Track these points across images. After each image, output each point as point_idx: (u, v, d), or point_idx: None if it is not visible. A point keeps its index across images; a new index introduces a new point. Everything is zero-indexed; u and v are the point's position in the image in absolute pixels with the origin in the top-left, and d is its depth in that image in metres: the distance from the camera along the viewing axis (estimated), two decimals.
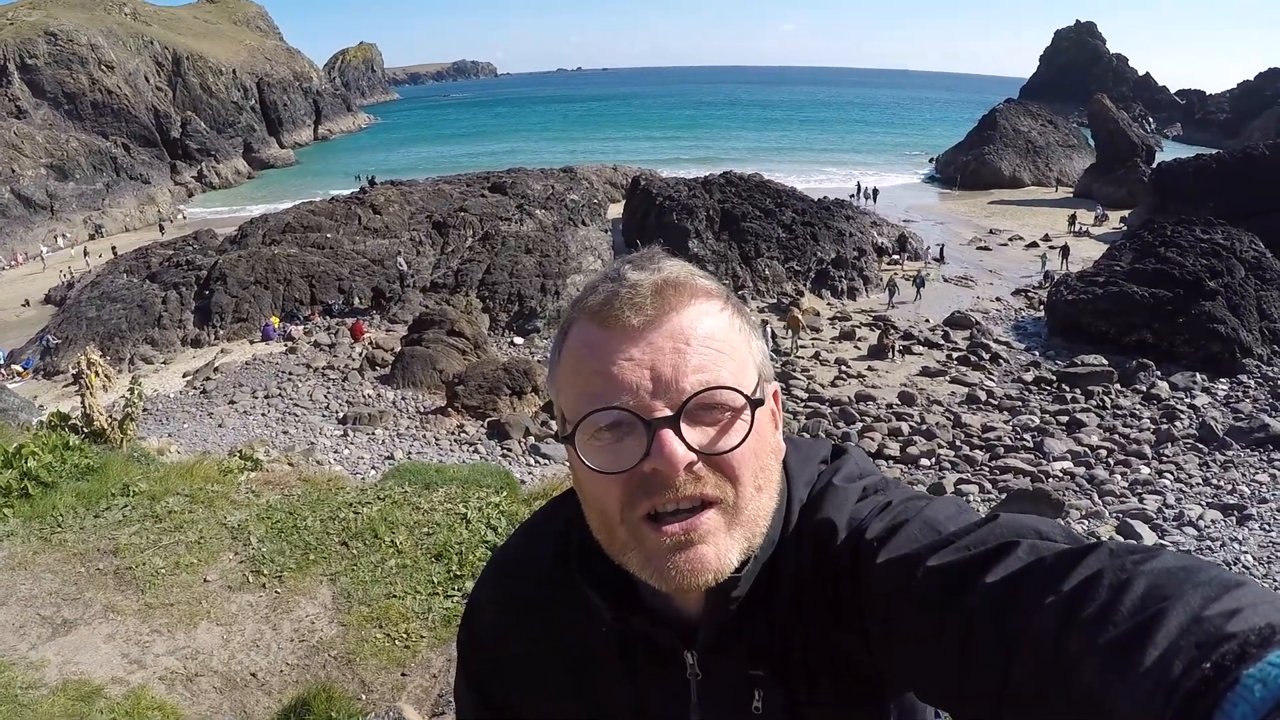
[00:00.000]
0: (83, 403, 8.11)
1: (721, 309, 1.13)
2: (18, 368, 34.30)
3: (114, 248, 55.58)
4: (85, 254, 55.98)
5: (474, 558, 5.90)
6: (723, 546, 1.07)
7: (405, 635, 5.22)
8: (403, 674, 4.97)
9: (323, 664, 5.02)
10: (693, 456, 1.04)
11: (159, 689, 4.74)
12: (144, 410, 8.70)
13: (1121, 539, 17.99)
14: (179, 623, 5.30)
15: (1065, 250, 44.48)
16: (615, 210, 54.08)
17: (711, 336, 1.09)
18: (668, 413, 1.03)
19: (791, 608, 1.17)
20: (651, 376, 1.05)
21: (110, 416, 8.11)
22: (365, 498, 6.81)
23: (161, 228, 65.70)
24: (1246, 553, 17.70)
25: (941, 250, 46.35)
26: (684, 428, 1.04)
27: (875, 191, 61.83)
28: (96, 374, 8.37)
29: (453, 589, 5.64)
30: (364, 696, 4.80)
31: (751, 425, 1.07)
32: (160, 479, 7.04)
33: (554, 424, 24.14)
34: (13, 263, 57.78)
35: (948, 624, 0.93)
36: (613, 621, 1.22)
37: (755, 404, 1.08)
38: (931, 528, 1.05)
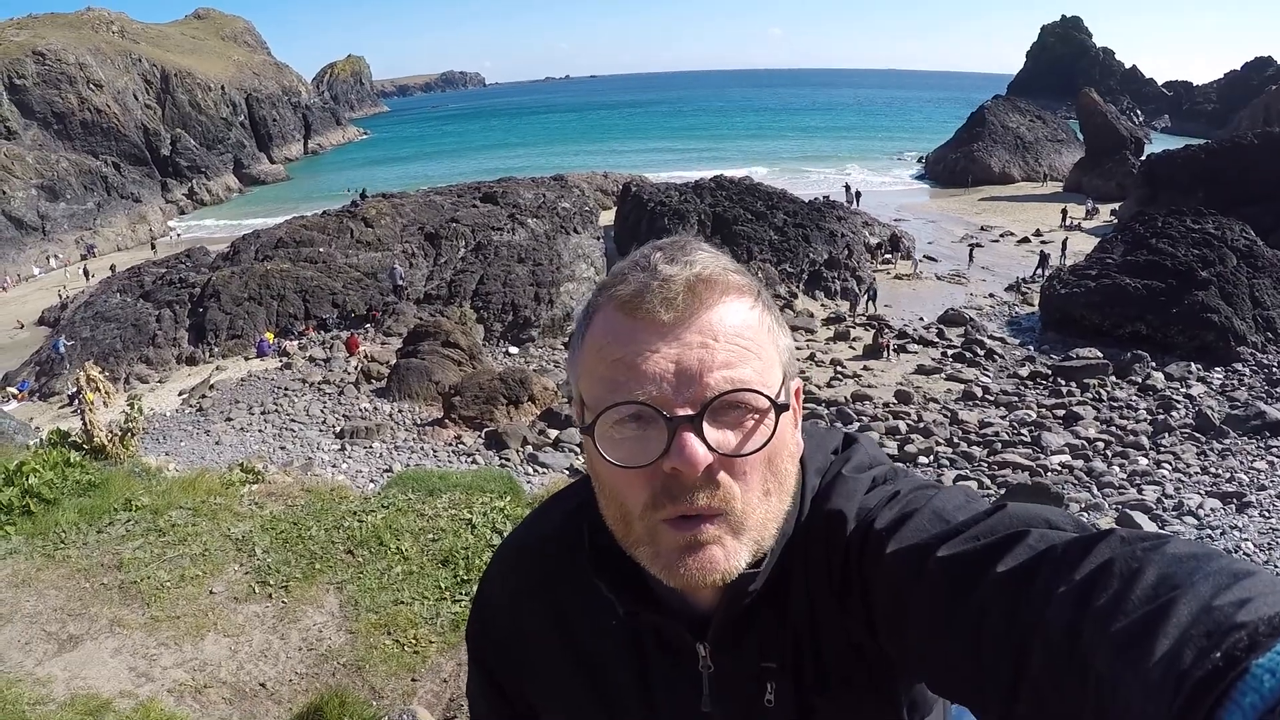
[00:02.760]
0: (83, 419, 8.10)
1: (752, 306, 1.11)
2: (13, 390, 34.17)
3: (114, 266, 55.46)
4: (86, 274, 55.70)
5: (480, 562, 5.90)
6: (730, 548, 1.06)
7: (414, 641, 5.22)
8: (413, 679, 4.97)
9: (332, 672, 5.02)
10: (712, 458, 1.02)
11: (168, 701, 4.73)
12: (143, 428, 8.68)
13: (1167, 509, 18.07)
14: (186, 635, 5.29)
15: (1064, 245, 44.62)
16: (607, 217, 54.03)
17: (740, 334, 1.07)
18: (690, 411, 1.02)
19: (803, 599, 1.17)
20: (676, 372, 1.03)
21: (111, 432, 8.09)
22: (369, 506, 6.81)
23: (154, 246, 65.68)
24: (1247, 540, 17.80)
25: (909, 249, 46.41)
26: (706, 427, 1.02)
27: (858, 194, 61.59)
28: (97, 389, 8.34)
29: (460, 594, 5.64)
30: (374, 703, 4.79)
31: (775, 430, 1.07)
32: (162, 493, 7.04)
33: (551, 433, 24.59)
34: (4, 285, 57.62)
35: (959, 615, 0.93)
36: (625, 616, 1.22)
37: (780, 408, 1.07)
38: (940, 517, 1.05)
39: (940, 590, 0.96)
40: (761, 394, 1.04)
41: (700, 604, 1.20)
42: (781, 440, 1.09)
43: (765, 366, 1.07)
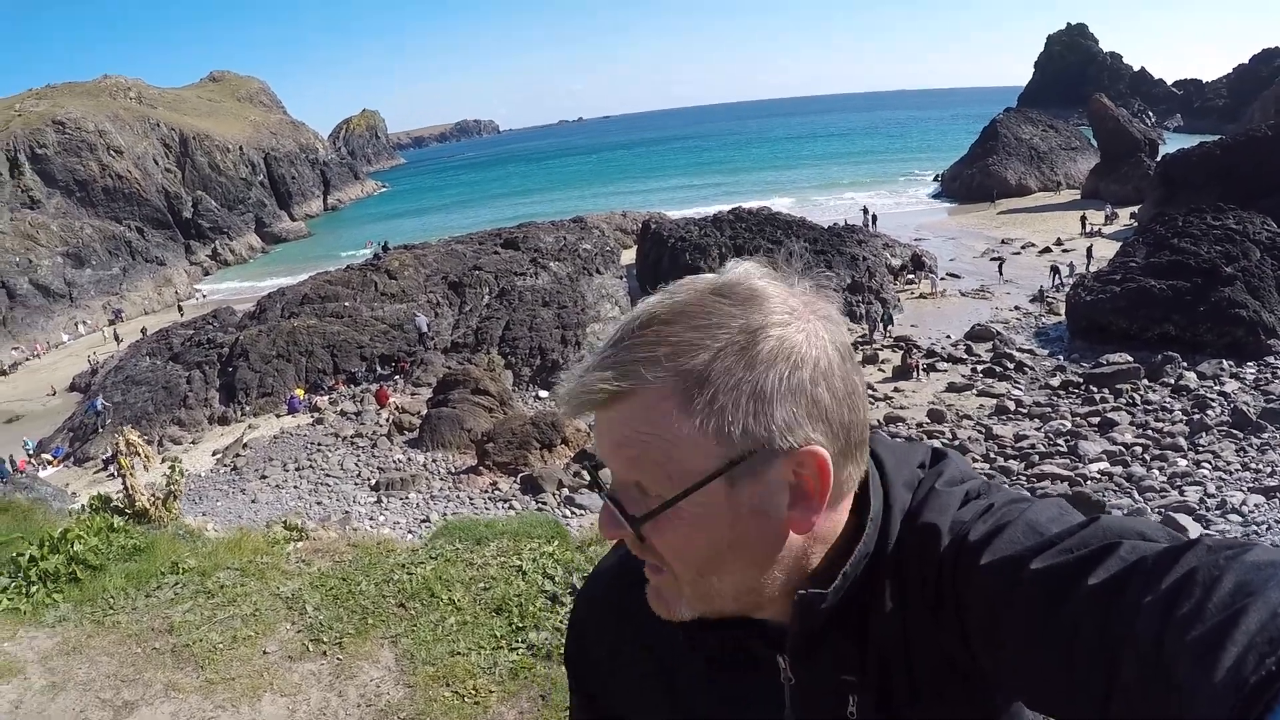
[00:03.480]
0: (124, 484, 8.09)
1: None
2: (48, 456, 34.47)
3: (144, 329, 55.96)
4: (117, 338, 56.31)
5: (534, 608, 5.84)
6: (672, 602, 1.14)
7: (474, 692, 5.14)
8: None
9: None
10: (620, 533, 1.11)
11: None
12: (184, 490, 8.74)
13: (1219, 535, 17.93)
14: (242, 696, 5.24)
15: (1089, 251, 44.49)
16: (628, 256, 54.27)
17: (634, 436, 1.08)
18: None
19: (893, 614, 1.14)
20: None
21: (153, 495, 8.09)
22: (417, 558, 6.75)
23: (180, 308, 66.14)
24: None
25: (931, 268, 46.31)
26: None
27: (874, 217, 61.28)
28: (136, 454, 8.35)
29: (516, 641, 5.58)
30: None
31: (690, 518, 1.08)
32: (208, 555, 7.01)
33: (586, 474, 24.39)
34: (36, 353, 58.20)
35: (1052, 628, 0.92)
36: (685, 641, 1.23)
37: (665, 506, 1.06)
38: (1034, 530, 1.03)
39: (1034, 603, 0.95)
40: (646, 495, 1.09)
41: (781, 617, 1.18)
42: (699, 528, 1.08)
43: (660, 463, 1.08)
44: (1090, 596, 0.89)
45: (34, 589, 6.45)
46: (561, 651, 5.55)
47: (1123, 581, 0.88)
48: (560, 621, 5.80)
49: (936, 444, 1.36)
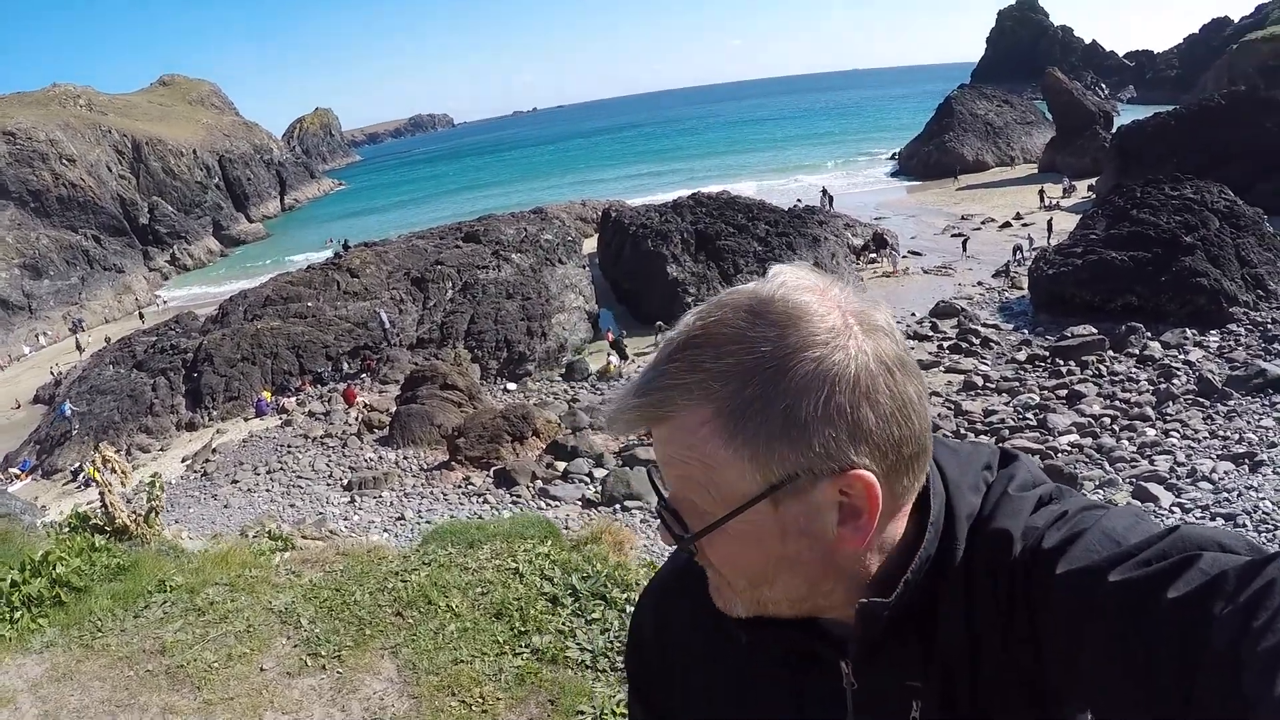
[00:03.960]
0: (103, 500, 7.94)
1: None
2: (15, 470, 34.08)
3: (108, 337, 55.32)
4: (79, 347, 55.65)
5: (535, 611, 5.77)
6: (728, 600, 1.17)
7: (480, 700, 5.06)
8: None
9: None
10: (675, 542, 1.15)
11: None
12: (164, 505, 8.57)
13: (1190, 501, 18.08)
14: (243, 717, 5.13)
15: (1049, 224, 44.71)
16: (590, 245, 54.11)
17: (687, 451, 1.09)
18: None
19: (959, 620, 1.13)
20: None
21: (134, 512, 7.95)
22: (410, 564, 6.65)
23: (142, 315, 65.54)
24: (1264, 499, 17.90)
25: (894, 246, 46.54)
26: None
27: (830, 197, 61.30)
28: (114, 470, 8.19)
29: (520, 646, 5.50)
30: None
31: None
32: (195, 571, 6.88)
33: (559, 465, 24.61)
34: None
35: (1130, 641, 0.91)
36: (746, 644, 1.24)
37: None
38: (1111, 539, 1.02)
39: (1112, 615, 0.94)
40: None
41: (845, 619, 1.17)
42: (748, 543, 1.10)
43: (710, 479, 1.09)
44: (1170, 610, 0.88)
45: (18, 615, 6.29)
46: (566, 655, 5.59)
47: (1203, 595, 0.87)
48: (563, 624, 5.74)
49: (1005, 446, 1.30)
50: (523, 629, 5.66)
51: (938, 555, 1.14)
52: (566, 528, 10.77)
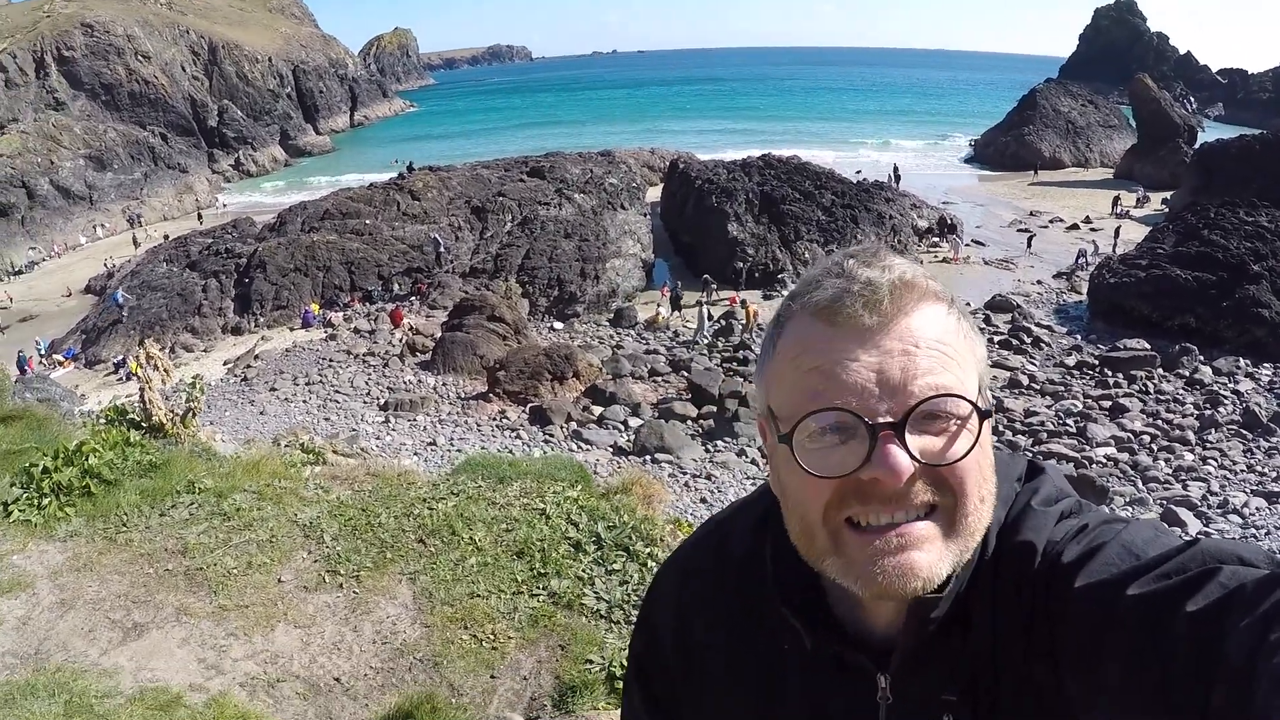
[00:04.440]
0: (141, 396, 7.94)
1: (949, 312, 1.09)
2: (59, 357, 34.59)
3: (167, 235, 55.91)
4: (135, 242, 56.35)
5: (557, 554, 5.73)
6: (936, 554, 1.04)
7: (492, 636, 5.03)
8: (492, 676, 4.79)
9: (408, 667, 4.84)
10: (916, 466, 1.00)
11: (240, 696, 4.56)
12: (203, 407, 8.60)
13: (1219, 534, 17.90)
14: (255, 625, 5.12)
15: (1117, 232, 44.13)
16: (654, 194, 53.99)
17: (941, 341, 1.05)
18: (891, 419, 1.00)
19: (985, 631, 1.12)
20: (878, 380, 1.01)
21: (171, 411, 7.95)
22: (439, 493, 6.62)
23: (200, 216, 66.27)
24: None
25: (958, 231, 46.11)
26: (909, 435, 1.00)
27: (898, 176, 60.71)
28: (156, 367, 8.20)
29: (537, 588, 5.47)
30: (454, 700, 4.61)
31: (979, 435, 1.04)
32: (225, 475, 6.87)
33: (595, 410, 24.50)
34: (53, 254, 58.21)
35: (1149, 653, 0.91)
36: (812, 649, 1.19)
37: (984, 414, 1.04)
38: (1130, 552, 1.02)
39: (1131, 628, 0.93)
40: (965, 399, 1.03)
41: (881, 629, 1.17)
42: (985, 448, 1.07)
43: (964, 374, 1.06)
44: (1189, 622, 0.88)
45: (46, 501, 6.29)
46: (582, 602, 5.54)
47: (1222, 608, 0.87)
48: (584, 570, 5.70)
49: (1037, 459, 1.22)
50: (542, 571, 5.62)
51: (974, 568, 1.13)
52: (596, 473, 10.72)
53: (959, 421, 1.03)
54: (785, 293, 1.19)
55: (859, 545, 1.03)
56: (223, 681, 4.67)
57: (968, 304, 34.19)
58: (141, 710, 4.35)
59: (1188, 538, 1.02)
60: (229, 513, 6.32)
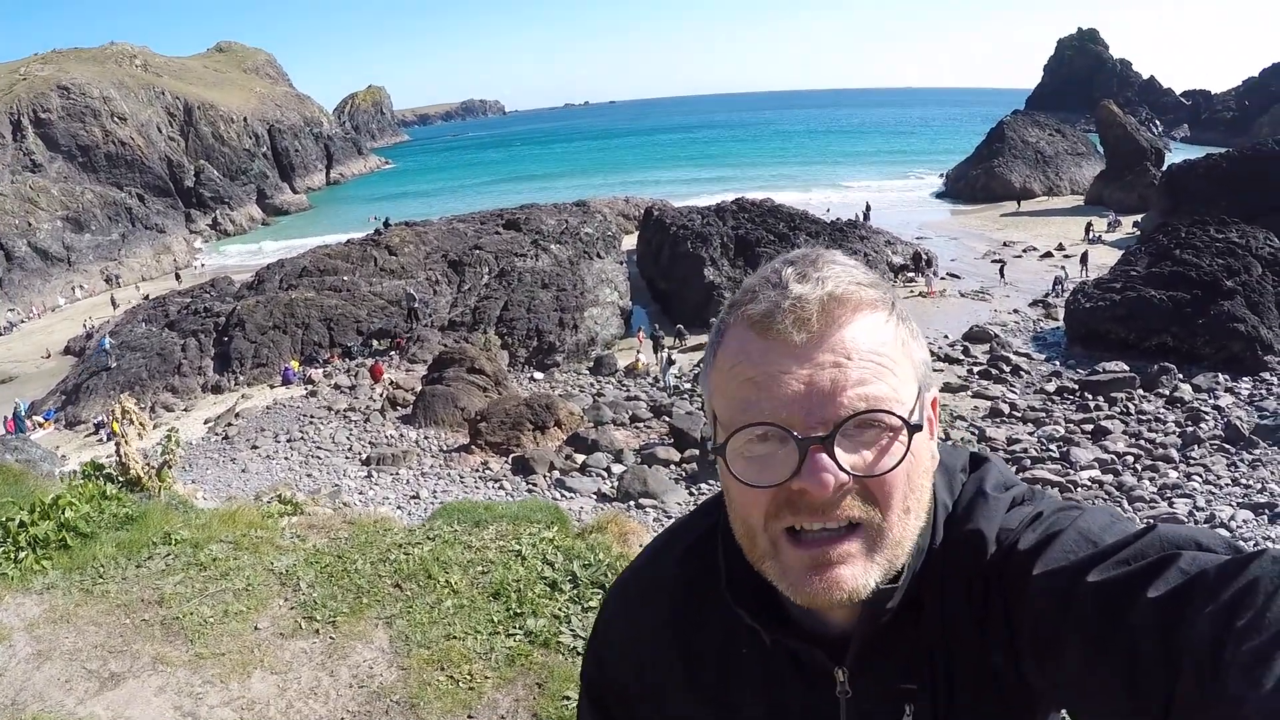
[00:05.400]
0: (118, 451, 7.99)
1: (886, 320, 1.09)
2: (39, 418, 34.40)
3: (147, 295, 55.93)
4: (113, 302, 56.33)
5: (533, 594, 5.76)
6: (861, 569, 1.05)
7: (469, 677, 5.05)
8: (469, 716, 4.80)
9: (385, 710, 4.85)
10: (844, 479, 1.02)
11: None
12: (179, 460, 8.63)
13: (1199, 522, 17.93)
14: (232, 672, 5.14)
15: (1084, 257, 44.37)
16: (630, 241, 54.25)
17: (874, 351, 1.05)
18: (821, 432, 1.01)
19: (936, 621, 1.14)
20: (808, 392, 1.02)
21: (147, 464, 7.99)
22: (415, 538, 6.65)
23: (178, 276, 66.27)
24: None
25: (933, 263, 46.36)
26: (838, 448, 1.01)
27: (869, 212, 61.47)
28: (132, 422, 8.24)
29: (514, 627, 5.49)
30: None
31: (909, 448, 1.04)
32: (202, 526, 6.91)
33: (578, 458, 24.49)
34: (32, 315, 58.20)
35: (1112, 640, 0.91)
36: (770, 645, 1.20)
37: (914, 427, 1.05)
38: (1087, 539, 1.03)
39: (1092, 615, 0.94)
40: (894, 414, 1.03)
41: (836, 627, 1.19)
42: (917, 459, 1.07)
43: (900, 383, 1.06)
44: (1151, 609, 0.88)
45: (23, 555, 6.34)
46: (559, 640, 5.57)
47: (1184, 594, 0.87)
48: (560, 609, 5.72)
49: (976, 450, 1.31)
50: (518, 610, 5.64)
51: (925, 557, 1.15)
52: (579, 520, 10.74)
53: (890, 434, 1.04)
54: None
55: (794, 556, 1.05)
56: None
57: (945, 336, 34.55)
58: None
59: (1147, 525, 1.02)
60: (205, 563, 6.34)
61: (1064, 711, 1.22)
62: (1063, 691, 1.01)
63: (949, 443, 1.34)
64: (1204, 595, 0.85)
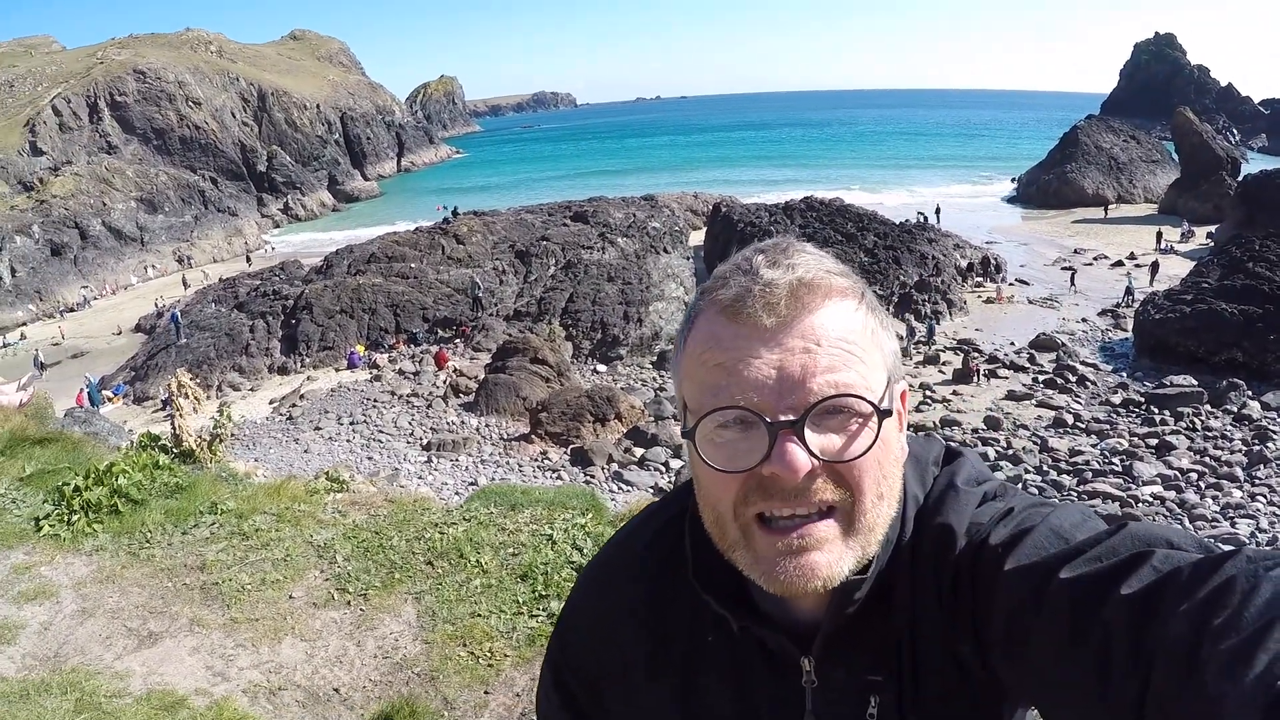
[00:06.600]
0: (172, 424, 8.21)
1: (855, 308, 1.09)
2: (108, 393, 34.99)
3: (221, 277, 56.76)
4: (184, 283, 57.36)
5: (559, 578, 5.84)
6: (835, 555, 1.05)
7: (489, 654, 5.16)
8: (485, 692, 4.91)
9: (406, 680, 4.98)
10: (814, 463, 1.02)
11: (242, 701, 4.74)
12: (232, 434, 8.83)
13: (1262, 545, 17.61)
14: (263, 637, 5.31)
15: (1155, 267, 43.71)
16: (696, 237, 54.21)
17: (843, 339, 1.05)
18: (791, 416, 1.01)
19: (905, 614, 1.14)
20: (778, 377, 1.02)
21: (200, 437, 8.20)
22: (451, 518, 6.77)
23: (249, 258, 67.24)
24: None
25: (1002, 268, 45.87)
26: (808, 433, 1.01)
27: (938, 211, 61.05)
28: (186, 396, 8.46)
29: (537, 609, 5.58)
30: (446, 713, 4.76)
31: (878, 434, 1.05)
32: (248, 498, 7.09)
33: (637, 452, 24.53)
34: (104, 292, 59.37)
35: (1084, 638, 0.91)
36: (739, 632, 1.20)
37: (884, 413, 1.05)
38: (1059, 536, 1.03)
39: (1064, 612, 0.94)
40: (864, 399, 1.03)
41: (804, 615, 1.18)
42: (886, 445, 1.07)
43: (869, 370, 1.06)
44: (1124, 606, 0.88)
45: (75, 518, 6.57)
46: None
47: (1157, 591, 0.87)
48: None
49: (953, 443, 1.32)
50: (544, 593, 5.73)
51: (893, 550, 1.16)
52: (620, 508, 10.80)
53: (859, 419, 1.04)
54: None
55: (766, 543, 1.05)
56: (227, 688, 4.84)
57: (1012, 343, 34.17)
58: (147, 709, 4.54)
59: (1119, 522, 1.03)
60: (248, 533, 6.53)
61: (1034, 709, 1.19)
62: (1033, 688, 1.01)
63: (929, 434, 1.38)
64: (1178, 593, 0.85)
